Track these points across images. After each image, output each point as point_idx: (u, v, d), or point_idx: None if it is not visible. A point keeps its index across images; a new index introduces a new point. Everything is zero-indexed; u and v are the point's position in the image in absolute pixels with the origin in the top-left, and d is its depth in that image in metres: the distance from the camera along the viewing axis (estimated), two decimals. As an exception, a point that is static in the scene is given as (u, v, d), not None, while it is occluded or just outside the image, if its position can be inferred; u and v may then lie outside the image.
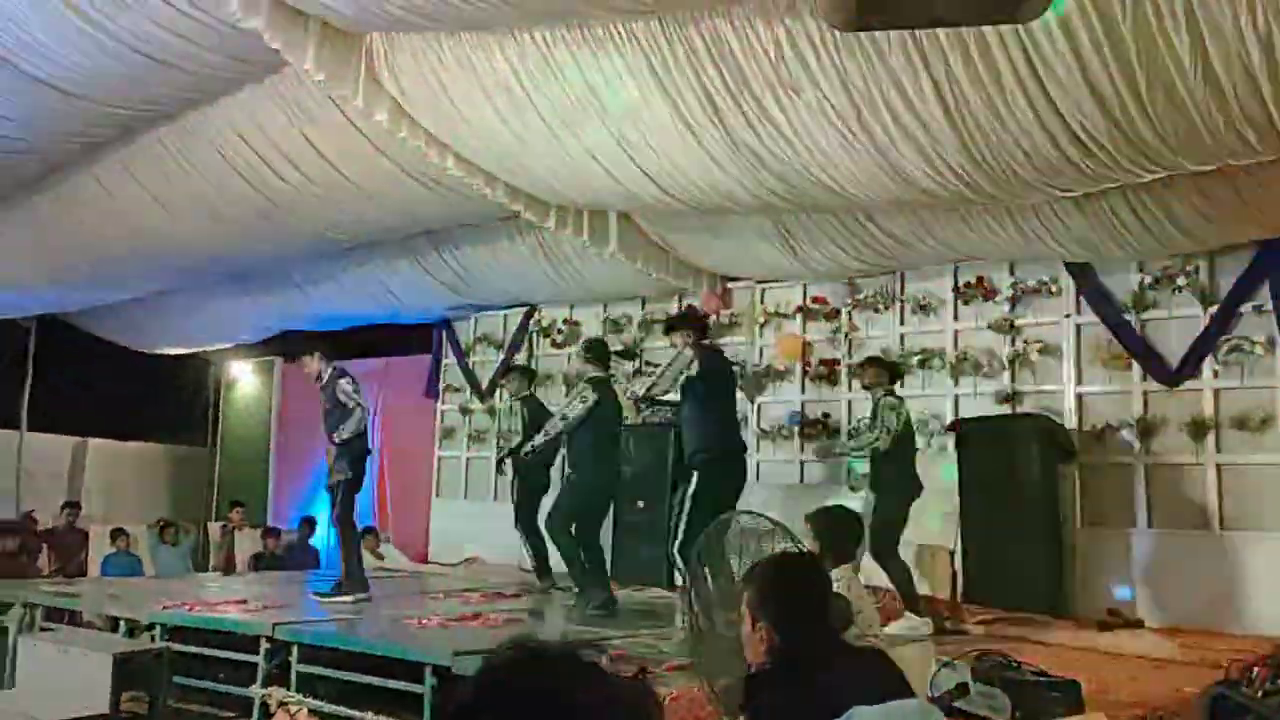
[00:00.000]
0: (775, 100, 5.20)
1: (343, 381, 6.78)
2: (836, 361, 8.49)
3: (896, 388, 6.85)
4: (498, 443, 9.78)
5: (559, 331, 10.12)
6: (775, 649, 1.81)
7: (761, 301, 9.00)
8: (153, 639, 6.07)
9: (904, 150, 5.34)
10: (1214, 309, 6.99)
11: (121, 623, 6.35)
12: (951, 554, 7.35)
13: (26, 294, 10.52)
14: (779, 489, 8.26)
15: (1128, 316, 7.28)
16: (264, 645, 5.49)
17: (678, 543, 5.69)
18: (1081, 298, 7.49)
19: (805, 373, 8.65)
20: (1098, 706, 3.85)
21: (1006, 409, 7.58)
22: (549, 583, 7.58)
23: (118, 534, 10.03)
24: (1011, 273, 7.76)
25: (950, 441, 7.51)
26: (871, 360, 7.06)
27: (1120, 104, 4.65)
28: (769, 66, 4.99)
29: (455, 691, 1.12)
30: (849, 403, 8.36)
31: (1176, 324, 7.15)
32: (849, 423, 8.29)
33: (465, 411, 10.77)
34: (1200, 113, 4.64)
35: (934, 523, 7.34)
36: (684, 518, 5.75)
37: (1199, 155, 5.12)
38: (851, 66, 4.86)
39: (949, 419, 7.72)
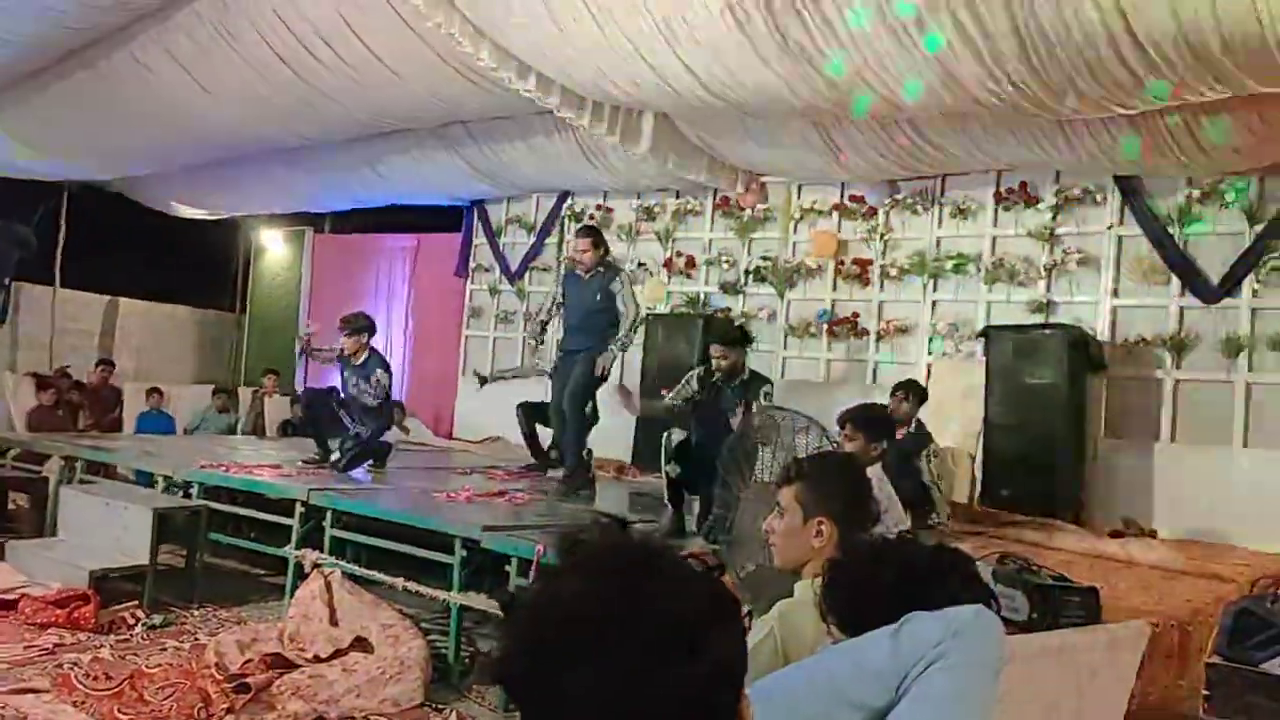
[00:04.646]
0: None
1: (381, 373, 6.71)
2: (870, 261, 8.44)
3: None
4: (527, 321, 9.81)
5: (591, 218, 10.06)
6: (838, 544, 1.86)
7: (798, 197, 8.89)
8: (188, 496, 6.27)
9: (962, 57, 5.09)
10: (1259, 227, 6.88)
11: (160, 479, 6.54)
12: (972, 457, 7.42)
13: (64, 164, 10.50)
14: (804, 385, 8.32)
15: (1171, 231, 7.16)
16: (299, 509, 5.66)
17: None
18: (1126, 209, 7.37)
19: (838, 271, 8.61)
20: (1110, 614, 3.93)
21: (1039, 318, 7.53)
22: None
23: (152, 392, 10.23)
24: (1057, 180, 7.61)
25: (979, 347, 7.51)
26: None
27: (1192, 9, 4.46)
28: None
29: (526, 594, 1.01)
30: (879, 304, 8.36)
31: (1219, 240, 7.04)
32: (877, 323, 8.32)
33: (494, 292, 10.81)
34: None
35: (956, 425, 7.41)
36: None
37: (1265, 75, 4.93)
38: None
39: (980, 325, 7.70)
